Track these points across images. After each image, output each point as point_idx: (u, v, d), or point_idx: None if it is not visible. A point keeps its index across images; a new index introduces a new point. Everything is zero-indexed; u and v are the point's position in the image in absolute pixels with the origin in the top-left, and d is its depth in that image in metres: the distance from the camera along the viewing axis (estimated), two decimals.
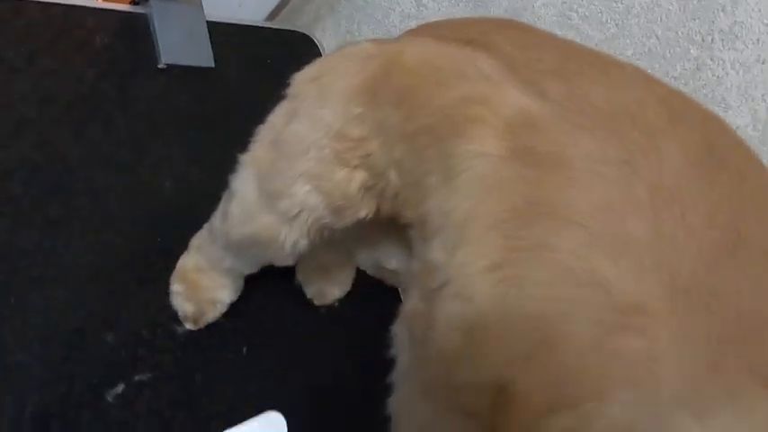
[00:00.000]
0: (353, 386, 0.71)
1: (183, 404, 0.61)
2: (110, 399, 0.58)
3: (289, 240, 0.52)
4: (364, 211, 0.50)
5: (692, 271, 0.32)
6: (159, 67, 0.78)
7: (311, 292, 0.74)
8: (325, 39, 1.03)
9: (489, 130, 0.38)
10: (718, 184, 0.35)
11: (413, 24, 0.67)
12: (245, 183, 0.55)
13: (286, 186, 0.50)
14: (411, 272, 0.44)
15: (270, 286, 0.73)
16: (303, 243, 0.53)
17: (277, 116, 0.54)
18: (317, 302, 0.75)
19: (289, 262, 0.57)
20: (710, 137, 0.38)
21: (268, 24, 1.03)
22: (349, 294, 0.77)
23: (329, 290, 0.75)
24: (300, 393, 0.68)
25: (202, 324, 0.65)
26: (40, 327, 0.57)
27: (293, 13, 1.08)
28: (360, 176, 0.47)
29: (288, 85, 0.54)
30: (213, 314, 0.65)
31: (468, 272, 0.35)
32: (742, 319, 0.31)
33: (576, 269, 0.32)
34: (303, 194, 0.49)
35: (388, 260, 0.67)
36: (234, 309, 0.68)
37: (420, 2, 0.89)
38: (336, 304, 0.76)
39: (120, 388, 0.59)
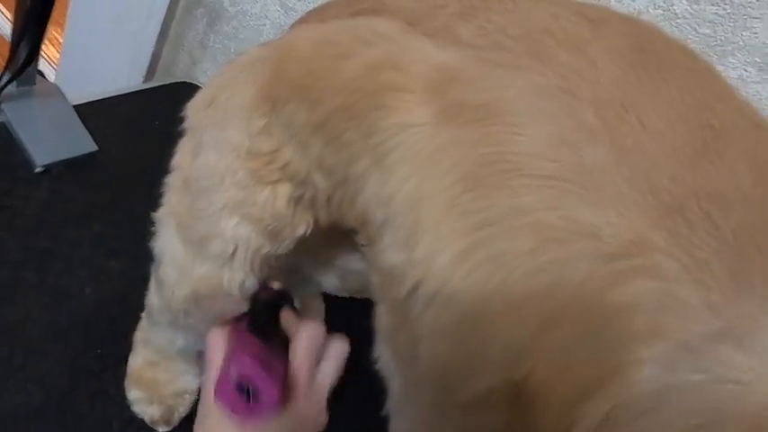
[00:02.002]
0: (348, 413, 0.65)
1: None
2: None
3: (234, 284, 0.47)
4: (301, 227, 0.45)
5: (676, 179, 0.27)
6: (37, 171, 0.70)
7: None
8: (208, 80, 0.97)
9: (410, 96, 0.32)
10: (668, 81, 0.31)
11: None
12: (168, 240, 0.49)
13: (211, 226, 0.45)
14: (373, 285, 0.39)
15: None
16: (250, 282, 0.47)
17: (181, 155, 0.49)
18: None
19: (243, 308, 0.51)
20: (637, 37, 0.33)
21: (146, 86, 0.96)
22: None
23: None
24: None
25: (176, 422, 0.58)
26: None
27: (168, 66, 1.02)
28: (284, 190, 0.42)
29: (182, 120, 0.48)
30: (184, 407, 0.58)
31: (437, 267, 0.30)
32: (750, 217, 0.26)
33: (555, 226, 0.27)
34: (232, 229, 0.44)
35: (351, 264, 0.61)
36: None
37: (287, 7, 0.84)
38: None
39: None
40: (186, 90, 0.94)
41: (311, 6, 0.81)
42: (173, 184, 0.49)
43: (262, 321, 0.50)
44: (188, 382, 0.58)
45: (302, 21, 0.48)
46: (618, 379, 0.24)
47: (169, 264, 0.49)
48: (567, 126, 0.29)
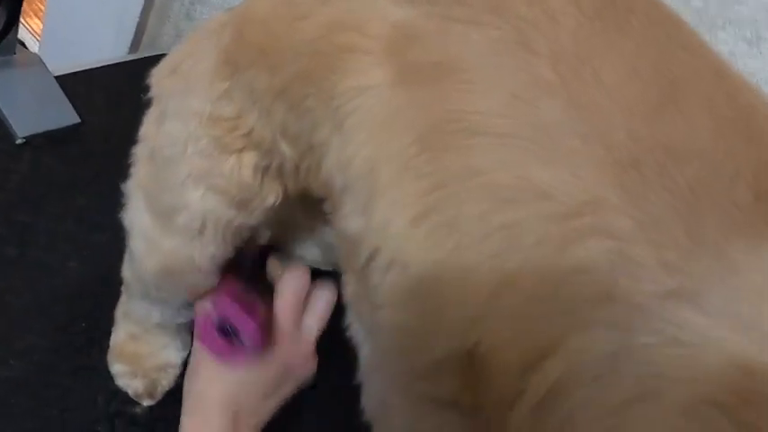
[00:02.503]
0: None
1: None
2: None
3: (204, 258, 0.46)
4: (271, 196, 0.43)
5: (632, 134, 0.26)
6: (18, 143, 0.69)
7: None
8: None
9: (367, 57, 0.31)
10: (629, 33, 0.30)
11: None
12: (136, 212, 0.48)
13: (177, 197, 0.44)
14: (338, 253, 0.38)
15: None
16: (221, 254, 0.46)
17: (147, 126, 0.48)
18: None
19: (213, 282, 0.50)
20: None
21: (129, 57, 0.94)
22: None
23: None
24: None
25: (159, 395, 0.58)
26: None
27: (154, 38, 1.00)
28: (249, 159, 0.41)
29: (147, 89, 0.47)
30: (167, 381, 0.58)
31: (392, 233, 0.29)
32: (707, 171, 0.25)
33: (508, 185, 0.27)
34: (199, 200, 0.43)
35: (330, 236, 0.61)
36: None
37: None
38: None
39: None
40: None
41: None
42: (140, 155, 0.48)
43: (247, 267, 0.50)
44: (170, 355, 0.58)
45: None
46: (568, 344, 0.24)
47: (138, 236, 0.49)
48: (521, 82, 0.29)
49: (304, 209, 0.52)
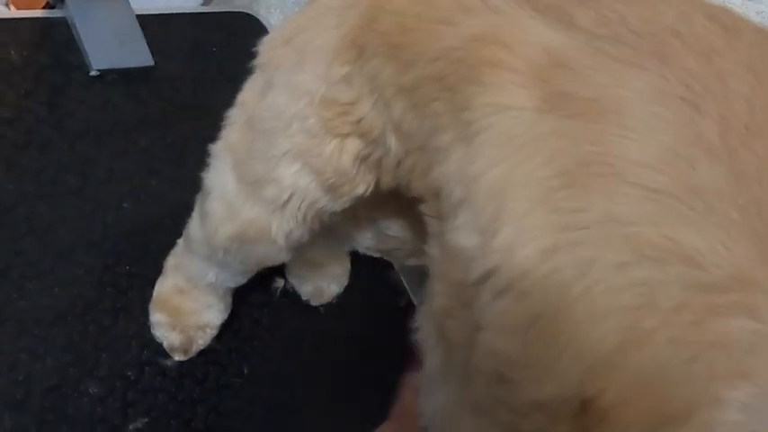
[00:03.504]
0: (369, 383, 0.65)
1: None
2: None
3: (281, 232, 0.46)
4: (362, 186, 0.43)
5: None
6: (91, 75, 0.69)
7: (307, 292, 0.68)
8: (271, 16, 0.94)
9: (513, 76, 0.30)
10: None
11: None
12: (221, 175, 0.48)
13: (270, 170, 0.43)
14: (431, 259, 0.38)
15: (259, 296, 0.66)
16: (298, 233, 0.46)
17: (248, 92, 0.47)
18: (314, 303, 0.68)
19: (283, 258, 0.51)
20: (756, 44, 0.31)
21: (205, 9, 0.93)
22: (348, 288, 0.71)
23: (326, 287, 0.68)
24: (315, 406, 0.62)
25: (193, 353, 0.58)
26: (6, 392, 0.50)
27: None
28: (353, 146, 0.41)
29: (254, 55, 0.47)
30: (203, 340, 0.58)
31: (517, 259, 0.28)
32: None
33: (653, 243, 0.25)
34: (291, 176, 0.43)
35: (388, 228, 0.60)
36: (225, 328, 0.61)
37: None
38: (335, 301, 0.70)
39: None
40: (245, 21, 0.91)
41: None
42: (235, 120, 0.48)
43: None
44: (212, 316, 0.58)
45: None
46: (697, 418, 0.23)
47: (218, 199, 0.48)
48: (683, 139, 0.27)
49: (372, 201, 0.52)
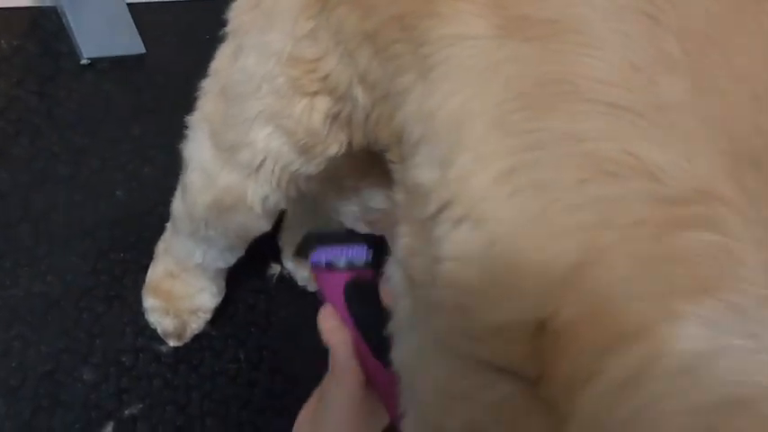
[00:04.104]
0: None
1: (185, 430, 0.55)
2: None
3: (257, 198, 0.46)
4: (335, 146, 0.43)
5: (756, 128, 0.25)
6: (82, 63, 0.68)
7: (303, 278, 0.67)
8: None
9: (469, 6, 0.30)
10: (765, 17, 0.28)
11: None
12: (197, 144, 0.48)
13: (243, 134, 0.43)
14: (397, 203, 0.37)
15: (255, 283, 0.66)
16: (274, 198, 0.46)
17: (220, 60, 0.47)
18: (310, 288, 0.67)
19: (263, 227, 0.50)
20: None
21: None
22: None
23: None
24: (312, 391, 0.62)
25: (188, 338, 0.58)
26: (0, 378, 0.50)
27: None
28: (322, 104, 0.40)
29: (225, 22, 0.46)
30: (197, 324, 0.58)
31: (473, 186, 0.28)
32: None
33: (613, 159, 0.25)
34: (263, 139, 0.43)
35: (372, 200, 0.59)
36: (220, 314, 0.61)
37: None
38: None
39: (109, 428, 0.52)
40: None
41: None
42: (209, 89, 0.48)
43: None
44: (204, 299, 0.58)
45: None
46: (654, 334, 0.22)
47: (196, 169, 0.49)
48: (645, 54, 0.26)
49: (354, 169, 0.51)
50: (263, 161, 0.43)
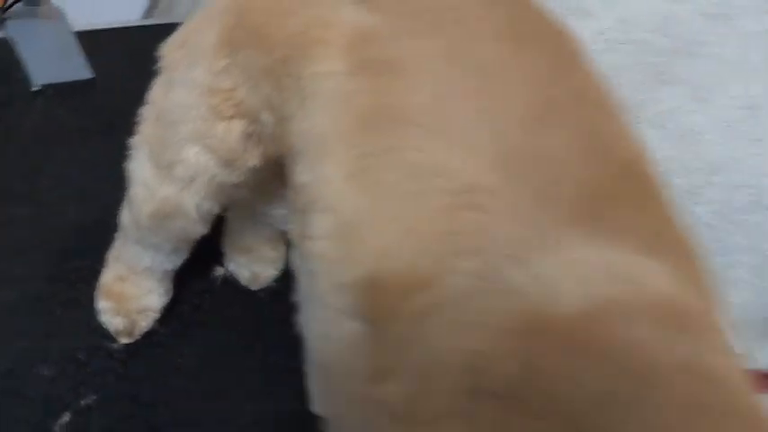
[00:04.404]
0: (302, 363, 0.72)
1: (135, 417, 0.61)
2: (57, 430, 0.57)
3: (191, 205, 0.53)
4: (252, 159, 0.51)
5: (515, 139, 0.35)
6: (34, 90, 0.75)
7: (244, 277, 0.74)
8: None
9: (333, 50, 0.40)
10: (529, 54, 0.39)
11: None
12: (139, 163, 0.56)
13: (177, 153, 0.52)
14: (290, 200, 0.47)
15: (200, 284, 0.73)
16: (207, 205, 0.54)
17: (155, 91, 0.55)
18: (253, 287, 0.74)
19: (200, 230, 0.58)
20: (517, 14, 0.41)
21: (146, 22, 0.99)
22: (286, 272, 0.77)
23: (262, 271, 0.74)
24: (257, 381, 0.69)
25: (137, 335, 0.64)
26: None
27: (169, 6, 1.05)
28: (237, 126, 0.49)
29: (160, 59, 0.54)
30: (146, 323, 0.65)
31: (331, 185, 0.39)
32: (557, 178, 0.35)
33: (421, 164, 0.36)
34: (193, 156, 0.51)
35: None
36: (168, 312, 0.67)
37: None
38: (274, 284, 0.76)
39: (66, 417, 0.58)
40: None
41: None
42: (147, 116, 0.56)
43: None
44: (152, 300, 0.64)
45: None
46: (440, 282, 0.33)
47: (139, 184, 0.56)
48: (445, 85, 0.37)
49: (276, 177, 0.60)
50: (195, 174, 0.51)
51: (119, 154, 0.59)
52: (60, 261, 0.65)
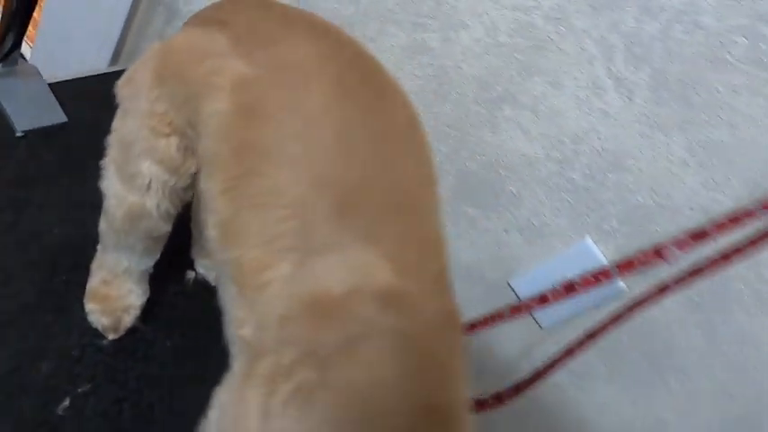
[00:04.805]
0: None
1: (126, 400, 0.72)
2: (60, 412, 0.67)
3: (152, 206, 0.65)
4: (192, 166, 0.62)
5: (328, 168, 0.49)
6: (18, 135, 0.86)
7: (212, 278, 0.85)
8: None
9: (222, 93, 0.53)
10: (349, 101, 0.51)
11: None
12: (109, 180, 0.67)
13: (135, 167, 0.63)
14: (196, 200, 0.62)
15: (176, 287, 0.84)
16: (165, 205, 0.66)
17: (116, 122, 0.68)
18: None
19: (164, 228, 0.69)
20: (347, 69, 0.53)
21: (112, 68, 1.11)
22: None
23: None
24: (227, 367, 0.79)
25: (122, 331, 0.75)
26: None
27: (132, 53, 1.17)
28: (174, 141, 0.61)
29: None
30: (129, 319, 0.75)
31: (213, 195, 0.53)
32: (351, 199, 0.48)
33: (266, 185, 0.49)
34: (146, 169, 0.63)
35: None
36: (149, 312, 0.78)
37: None
38: None
39: (66, 402, 0.68)
40: None
41: None
42: (112, 141, 0.68)
43: None
44: (134, 299, 0.75)
45: (187, 23, 0.67)
46: (273, 267, 0.47)
47: (111, 196, 0.68)
48: (288, 126, 0.50)
49: None
50: (150, 182, 0.63)
51: (93, 184, 0.70)
52: (50, 277, 0.76)
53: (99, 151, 0.68)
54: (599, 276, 0.65)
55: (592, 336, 0.67)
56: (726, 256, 0.56)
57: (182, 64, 0.58)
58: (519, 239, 0.80)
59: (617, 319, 0.65)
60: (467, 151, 0.80)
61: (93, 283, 0.75)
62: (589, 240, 0.75)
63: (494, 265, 0.83)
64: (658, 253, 0.59)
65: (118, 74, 1.10)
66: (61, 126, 0.91)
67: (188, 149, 0.61)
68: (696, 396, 0.73)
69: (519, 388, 0.75)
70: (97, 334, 0.75)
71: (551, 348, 0.82)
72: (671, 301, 0.71)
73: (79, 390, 0.70)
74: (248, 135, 0.51)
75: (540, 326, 0.83)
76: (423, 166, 0.53)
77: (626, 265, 0.63)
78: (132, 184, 0.64)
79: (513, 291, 0.84)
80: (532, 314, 0.83)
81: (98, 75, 1.06)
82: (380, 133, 0.51)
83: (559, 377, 0.83)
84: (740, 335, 0.68)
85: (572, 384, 0.83)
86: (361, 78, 0.53)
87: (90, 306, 0.74)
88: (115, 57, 1.16)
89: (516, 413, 0.89)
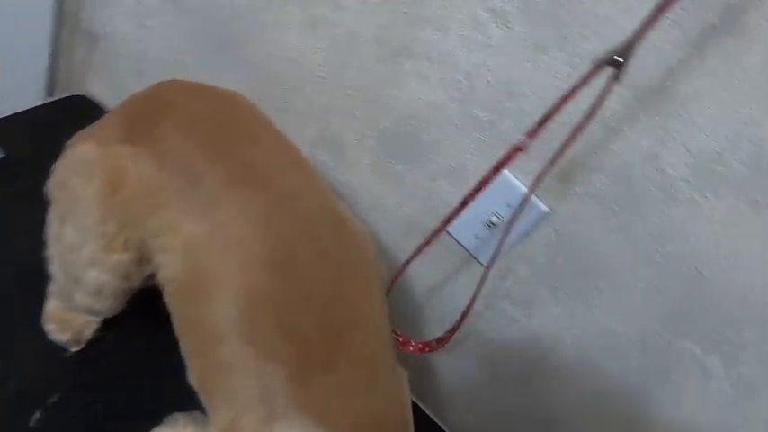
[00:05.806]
0: None
1: (97, 402, 0.75)
2: (32, 424, 0.71)
3: (104, 308, 0.67)
4: (148, 270, 0.64)
5: (259, 278, 0.57)
6: None
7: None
8: (99, 93, 1.15)
9: (175, 256, 0.59)
10: (255, 199, 0.59)
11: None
12: (55, 265, 0.68)
13: (80, 273, 0.64)
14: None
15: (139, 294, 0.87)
16: (117, 303, 0.68)
17: (51, 223, 0.67)
18: None
19: (119, 307, 0.71)
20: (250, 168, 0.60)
21: (48, 100, 1.14)
22: None
23: None
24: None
25: (84, 342, 0.79)
26: None
27: (67, 81, 1.20)
28: (129, 255, 0.62)
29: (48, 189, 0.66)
30: (90, 331, 0.79)
31: (186, 354, 0.63)
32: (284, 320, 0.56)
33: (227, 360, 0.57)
34: (95, 277, 0.63)
35: None
36: (112, 321, 0.81)
37: (143, 26, 1.02)
38: None
39: (37, 413, 0.72)
40: (81, 102, 1.13)
41: (163, 22, 1.00)
42: (51, 233, 0.68)
43: None
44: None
45: (116, 114, 0.69)
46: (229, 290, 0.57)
47: (56, 282, 0.70)
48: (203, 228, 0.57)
49: None
50: (101, 288, 0.64)
51: (37, 213, 0.72)
52: (11, 301, 0.80)
53: (39, 184, 0.70)
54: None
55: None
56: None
57: (137, 203, 0.59)
58: (445, 185, 0.83)
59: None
60: (380, 110, 0.82)
61: (50, 306, 0.78)
62: (507, 173, 0.77)
63: (429, 214, 0.86)
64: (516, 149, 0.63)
65: (54, 105, 1.14)
66: (2, 160, 0.94)
67: (143, 259, 0.62)
68: (630, 299, 0.75)
69: (454, 328, 0.78)
70: (60, 347, 0.78)
71: (497, 282, 0.84)
72: (589, 214, 0.73)
73: (49, 401, 0.74)
74: (198, 312, 0.57)
75: (481, 264, 0.86)
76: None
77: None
78: (79, 286, 0.65)
79: (453, 237, 0.87)
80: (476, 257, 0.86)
81: (33, 108, 1.09)
82: (318, 254, 0.59)
83: (509, 310, 0.86)
84: (655, 231, 0.70)
85: (522, 314, 0.86)
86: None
87: (49, 326, 0.77)
88: (50, 86, 1.18)
89: (481, 351, 0.92)
